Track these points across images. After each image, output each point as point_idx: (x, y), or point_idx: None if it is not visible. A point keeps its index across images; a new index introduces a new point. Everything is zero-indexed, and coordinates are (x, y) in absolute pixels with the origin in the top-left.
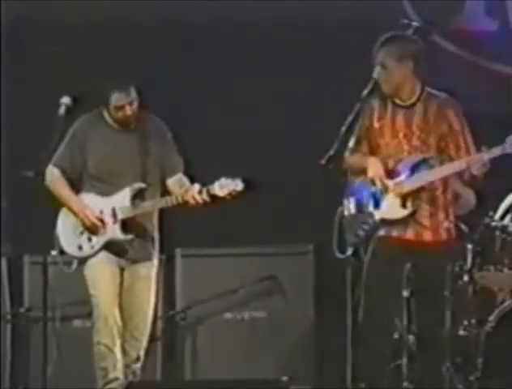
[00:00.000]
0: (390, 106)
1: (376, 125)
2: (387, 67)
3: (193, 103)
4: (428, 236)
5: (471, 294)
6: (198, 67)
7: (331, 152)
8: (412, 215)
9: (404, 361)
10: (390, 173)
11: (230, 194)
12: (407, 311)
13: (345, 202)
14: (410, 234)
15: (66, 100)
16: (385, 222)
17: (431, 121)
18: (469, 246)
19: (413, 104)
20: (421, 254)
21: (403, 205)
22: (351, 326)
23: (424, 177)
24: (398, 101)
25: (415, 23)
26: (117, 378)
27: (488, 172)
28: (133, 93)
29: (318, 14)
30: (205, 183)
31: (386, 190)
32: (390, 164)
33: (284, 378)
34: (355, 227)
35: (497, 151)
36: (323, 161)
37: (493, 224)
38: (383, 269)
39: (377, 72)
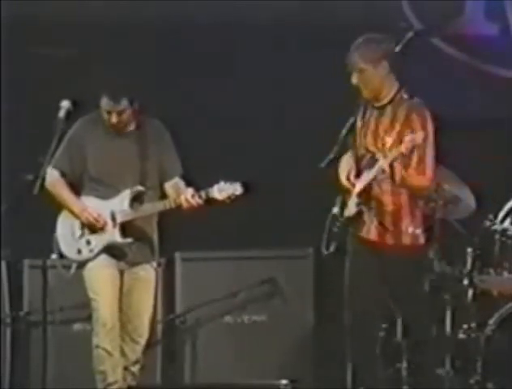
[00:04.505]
0: (369, 106)
1: (359, 124)
2: (364, 72)
3: (192, 105)
4: (390, 239)
5: (471, 298)
6: (197, 68)
7: (331, 156)
8: (359, 214)
9: (404, 364)
10: (359, 173)
11: (229, 197)
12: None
13: (336, 201)
14: (373, 235)
15: (66, 104)
16: (350, 220)
17: (396, 128)
18: (469, 250)
19: (384, 106)
20: (387, 256)
21: (358, 204)
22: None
23: (366, 177)
24: (374, 102)
25: (414, 26)
26: (116, 382)
27: (489, 175)
28: (123, 103)
29: (317, 15)
30: (204, 187)
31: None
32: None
33: (284, 382)
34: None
35: None
36: (323, 165)
37: (493, 227)
38: (356, 265)
39: (355, 78)
